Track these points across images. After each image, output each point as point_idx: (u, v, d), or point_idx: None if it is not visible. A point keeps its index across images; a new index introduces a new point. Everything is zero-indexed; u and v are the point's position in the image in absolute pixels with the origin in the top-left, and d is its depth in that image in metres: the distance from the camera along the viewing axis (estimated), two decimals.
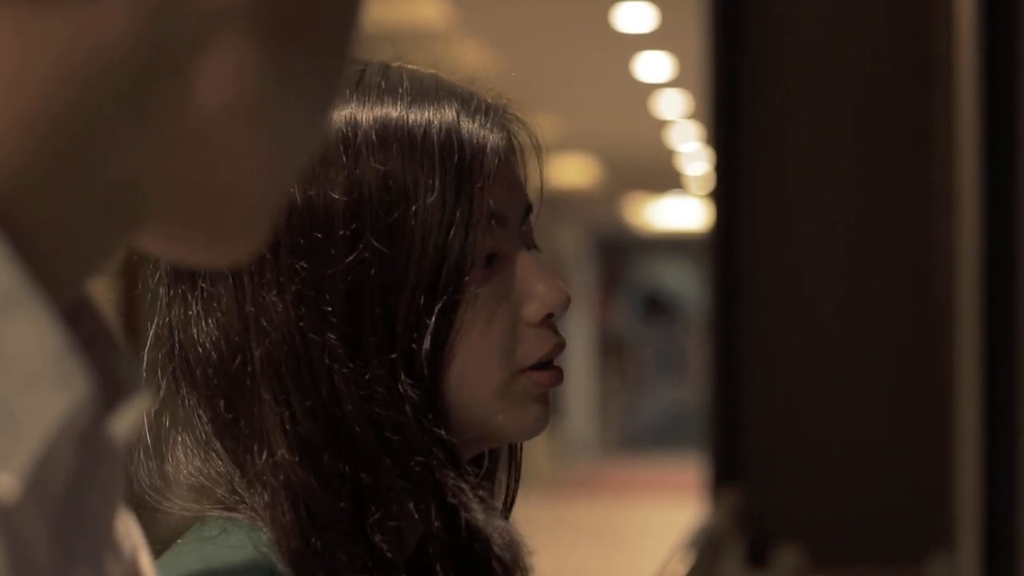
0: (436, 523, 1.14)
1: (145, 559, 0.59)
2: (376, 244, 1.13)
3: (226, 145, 0.54)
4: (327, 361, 1.13)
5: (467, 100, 1.20)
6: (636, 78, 11.05)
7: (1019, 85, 3.47)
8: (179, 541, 1.14)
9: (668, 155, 15.26)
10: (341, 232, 1.13)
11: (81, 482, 0.50)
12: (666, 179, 17.24)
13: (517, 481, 1.28)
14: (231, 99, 0.53)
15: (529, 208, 1.24)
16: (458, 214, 1.15)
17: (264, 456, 1.13)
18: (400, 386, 1.14)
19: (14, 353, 0.48)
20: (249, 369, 1.14)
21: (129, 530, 0.58)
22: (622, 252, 24.42)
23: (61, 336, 0.48)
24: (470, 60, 9.48)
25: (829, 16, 4.38)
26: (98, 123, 0.50)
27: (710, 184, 4.65)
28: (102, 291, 0.59)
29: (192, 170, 0.53)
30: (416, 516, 1.14)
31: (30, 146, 0.50)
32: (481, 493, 1.17)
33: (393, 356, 1.14)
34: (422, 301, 1.14)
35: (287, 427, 1.13)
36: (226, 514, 1.14)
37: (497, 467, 1.27)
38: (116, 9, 0.50)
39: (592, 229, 21.55)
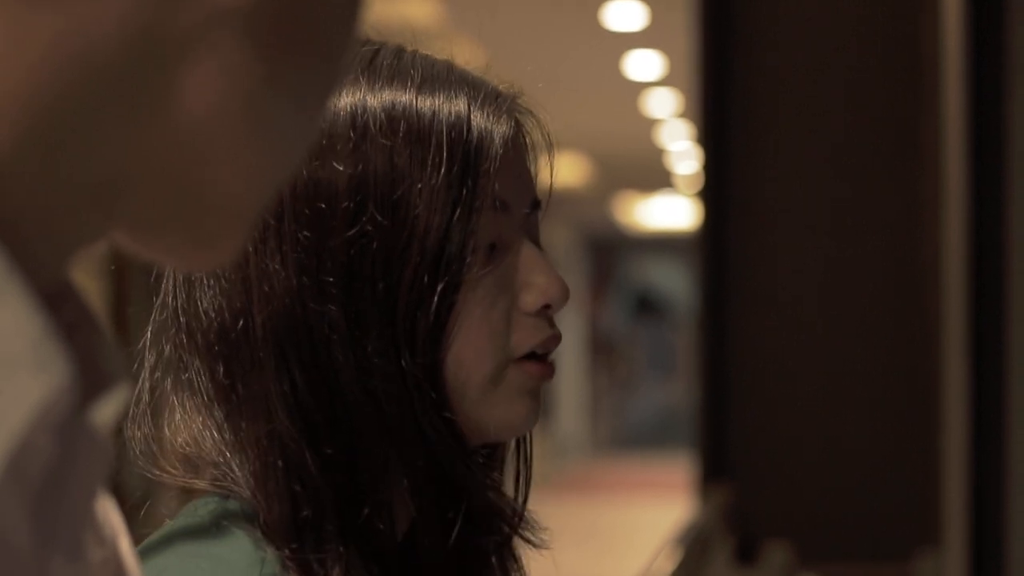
0: (427, 502, 1.14)
1: (125, 544, 0.59)
2: (379, 218, 1.14)
3: (212, 147, 0.53)
4: (327, 332, 1.13)
5: (478, 88, 1.21)
6: (626, 76, 11.04)
7: (1007, 81, 3.48)
8: (169, 522, 1.14)
9: (658, 154, 15.24)
10: (345, 204, 1.14)
11: (61, 468, 0.50)
12: (656, 178, 17.21)
13: (527, 486, 1.26)
14: (220, 101, 0.53)
15: (536, 203, 1.24)
16: (464, 194, 1.15)
17: (261, 423, 1.13)
18: (402, 361, 1.14)
19: None
20: (251, 335, 1.14)
21: (109, 515, 0.58)
22: (612, 251, 24.40)
23: (42, 321, 0.48)
24: (459, 59, 9.42)
25: (818, 15, 4.39)
26: (83, 115, 0.51)
27: (699, 183, 4.65)
28: (90, 282, 0.59)
29: (175, 170, 0.53)
30: (408, 494, 1.14)
31: (14, 133, 0.50)
32: (492, 476, 1.17)
33: (394, 331, 1.14)
34: (425, 279, 1.14)
35: (287, 395, 1.13)
36: (218, 489, 1.14)
37: (502, 471, 1.26)
38: (111, 6, 0.50)
39: (582, 228, 21.53)
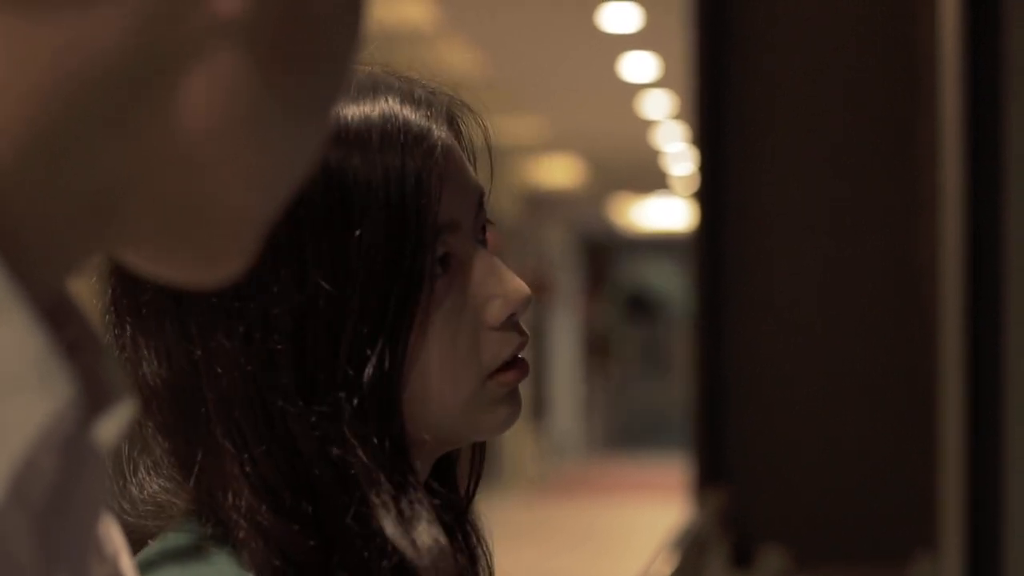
0: (388, 562, 1.11)
1: (126, 561, 0.59)
2: (320, 278, 1.10)
3: (213, 161, 0.53)
4: (280, 403, 1.10)
5: (407, 96, 1.15)
6: (621, 78, 11.06)
7: (1004, 82, 3.48)
8: (150, 542, 1.12)
9: (653, 155, 15.28)
10: (283, 269, 1.09)
11: (65, 487, 0.50)
12: (651, 179, 17.25)
13: (480, 469, 1.25)
14: (220, 113, 0.53)
15: (481, 196, 1.19)
16: (406, 246, 1.11)
17: (230, 498, 1.10)
18: (345, 424, 1.10)
19: None
20: (203, 411, 1.11)
21: (111, 533, 0.58)
22: (607, 252, 24.42)
23: (44, 340, 0.48)
24: (455, 60, 9.50)
25: (814, 16, 4.39)
26: (83, 128, 0.51)
27: (695, 184, 4.65)
28: (88, 295, 0.58)
29: (175, 181, 0.53)
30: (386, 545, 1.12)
31: (14, 150, 0.50)
32: (423, 538, 1.12)
33: (341, 391, 1.10)
34: (365, 331, 1.10)
35: (247, 471, 1.10)
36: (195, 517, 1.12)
37: (459, 456, 1.25)
38: (110, 21, 0.50)
39: (577, 229, 21.57)
